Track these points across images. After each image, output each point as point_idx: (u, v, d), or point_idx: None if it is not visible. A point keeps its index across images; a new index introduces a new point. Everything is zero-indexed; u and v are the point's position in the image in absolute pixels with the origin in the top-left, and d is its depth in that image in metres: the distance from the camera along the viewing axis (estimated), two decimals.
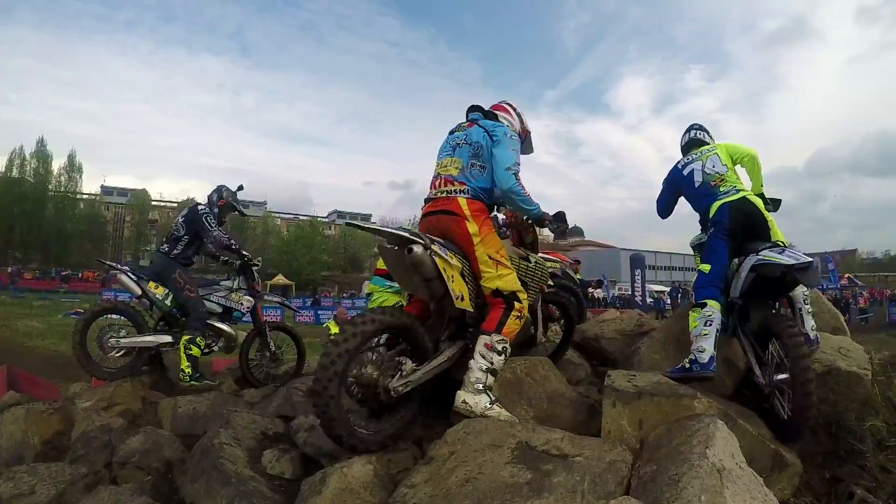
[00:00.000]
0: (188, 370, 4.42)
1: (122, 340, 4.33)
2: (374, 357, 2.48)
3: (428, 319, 2.85)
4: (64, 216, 50.53)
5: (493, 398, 2.55)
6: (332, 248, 60.32)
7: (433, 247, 2.55)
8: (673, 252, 63.34)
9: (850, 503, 2.53)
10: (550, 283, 3.63)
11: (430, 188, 2.97)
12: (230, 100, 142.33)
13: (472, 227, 2.71)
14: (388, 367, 2.48)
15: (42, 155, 51.30)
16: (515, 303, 2.71)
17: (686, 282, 35.77)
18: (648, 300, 26.08)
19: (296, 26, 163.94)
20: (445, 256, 2.59)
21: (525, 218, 3.28)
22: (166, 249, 4.75)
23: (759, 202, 3.24)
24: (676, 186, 3.65)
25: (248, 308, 4.93)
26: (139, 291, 4.50)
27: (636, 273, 24.17)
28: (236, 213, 5.27)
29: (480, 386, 2.51)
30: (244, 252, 4.97)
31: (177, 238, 4.78)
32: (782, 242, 3.14)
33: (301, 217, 62.86)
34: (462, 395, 2.50)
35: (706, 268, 3.13)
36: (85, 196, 56.21)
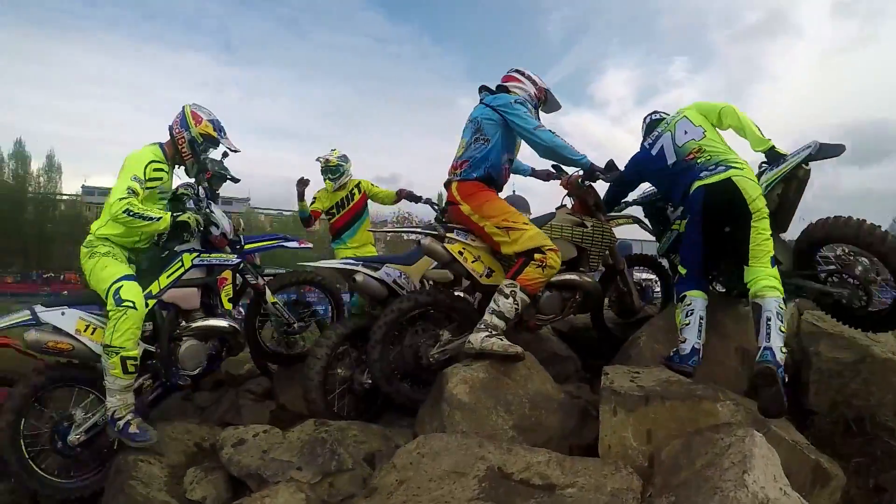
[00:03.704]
0: None
1: None
2: (417, 329, 2.84)
3: None
4: (44, 218, 49.33)
5: (494, 332, 2.52)
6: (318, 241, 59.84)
7: (449, 234, 2.85)
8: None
9: None
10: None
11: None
12: (211, 96, 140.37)
13: (465, 209, 2.86)
14: (427, 337, 2.82)
15: (20, 156, 49.96)
16: (535, 254, 2.69)
17: None
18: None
19: (274, 20, 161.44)
20: (463, 240, 2.86)
21: (580, 180, 3.14)
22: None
23: (745, 182, 2.66)
24: (640, 171, 3.19)
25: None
26: None
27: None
28: (229, 181, 4.58)
29: (482, 325, 2.54)
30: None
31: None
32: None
33: (285, 213, 62.33)
34: (468, 339, 2.54)
35: (683, 271, 2.93)
36: (65, 197, 54.83)
